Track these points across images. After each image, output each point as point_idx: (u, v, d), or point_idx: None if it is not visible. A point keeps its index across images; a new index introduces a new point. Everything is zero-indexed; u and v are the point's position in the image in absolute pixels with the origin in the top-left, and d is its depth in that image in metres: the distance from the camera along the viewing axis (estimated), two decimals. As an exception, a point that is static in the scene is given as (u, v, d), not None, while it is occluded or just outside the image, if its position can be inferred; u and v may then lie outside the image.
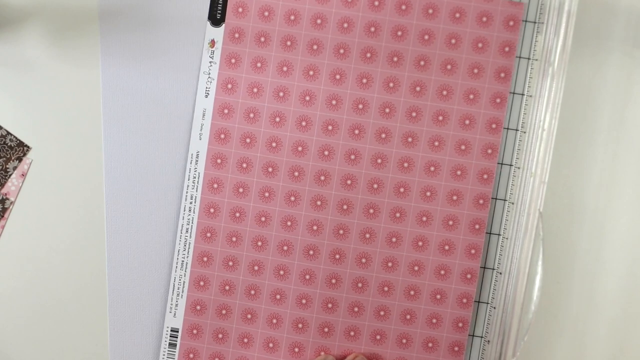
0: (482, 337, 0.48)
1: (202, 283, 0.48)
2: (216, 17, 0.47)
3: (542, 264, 0.46)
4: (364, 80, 0.47)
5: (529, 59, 0.47)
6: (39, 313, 0.50)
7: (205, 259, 0.48)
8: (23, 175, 0.50)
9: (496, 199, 0.48)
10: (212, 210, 0.48)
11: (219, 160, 0.48)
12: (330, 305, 0.48)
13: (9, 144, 0.49)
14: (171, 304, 0.49)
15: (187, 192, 0.48)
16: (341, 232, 0.48)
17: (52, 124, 0.49)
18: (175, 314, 0.49)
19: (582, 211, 0.48)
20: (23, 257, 0.50)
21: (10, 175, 0.49)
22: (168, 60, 0.48)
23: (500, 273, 0.47)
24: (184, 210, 0.48)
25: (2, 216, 0.50)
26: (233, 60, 0.48)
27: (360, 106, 0.47)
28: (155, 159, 0.49)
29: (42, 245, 0.50)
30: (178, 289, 0.49)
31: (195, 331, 0.49)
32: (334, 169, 0.48)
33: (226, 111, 0.48)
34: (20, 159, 0.49)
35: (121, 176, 0.49)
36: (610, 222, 0.48)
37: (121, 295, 0.49)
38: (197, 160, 0.48)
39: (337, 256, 0.48)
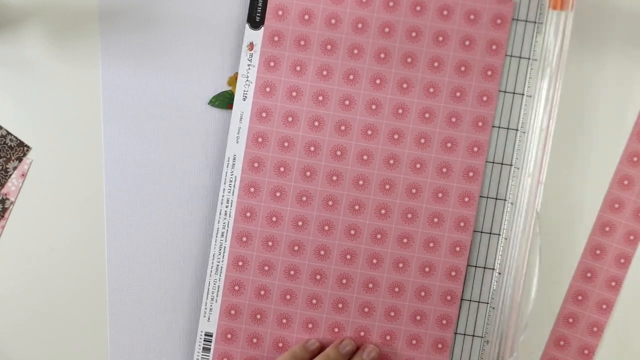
0: (482, 337, 0.49)
1: (237, 287, 0.48)
2: (255, 19, 0.47)
3: (540, 264, 0.46)
4: (404, 85, 0.47)
5: (528, 59, 0.48)
6: (39, 313, 0.50)
7: (240, 263, 0.48)
8: (23, 175, 0.49)
9: (496, 198, 0.48)
10: (248, 214, 0.48)
11: (256, 164, 0.48)
12: (367, 310, 0.48)
13: (9, 144, 0.49)
14: (205, 309, 0.48)
15: (223, 196, 0.48)
16: (379, 236, 0.48)
17: (52, 124, 0.49)
18: (209, 319, 0.48)
19: (581, 211, 0.49)
20: (23, 257, 0.50)
21: (10, 175, 0.49)
22: (168, 60, 0.48)
23: (500, 273, 0.48)
24: (220, 214, 0.48)
25: (2, 216, 0.49)
26: (272, 64, 0.47)
27: (400, 111, 0.47)
28: (156, 159, 0.49)
29: (42, 245, 0.50)
30: (212, 293, 0.48)
31: (229, 336, 0.48)
32: (372, 174, 0.48)
33: (264, 114, 0.47)
34: (20, 159, 0.49)
35: (121, 176, 0.49)
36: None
37: (121, 295, 0.49)
38: (234, 164, 0.48)
39: (375, 261, 0.48)
